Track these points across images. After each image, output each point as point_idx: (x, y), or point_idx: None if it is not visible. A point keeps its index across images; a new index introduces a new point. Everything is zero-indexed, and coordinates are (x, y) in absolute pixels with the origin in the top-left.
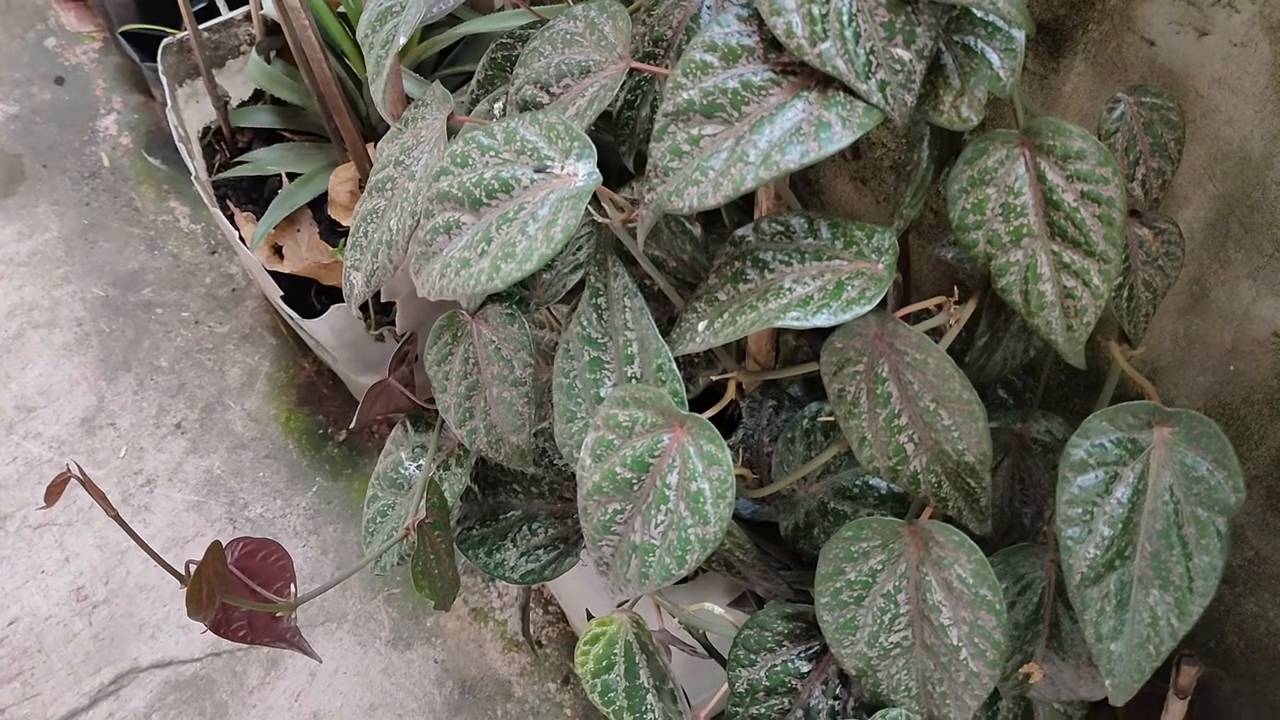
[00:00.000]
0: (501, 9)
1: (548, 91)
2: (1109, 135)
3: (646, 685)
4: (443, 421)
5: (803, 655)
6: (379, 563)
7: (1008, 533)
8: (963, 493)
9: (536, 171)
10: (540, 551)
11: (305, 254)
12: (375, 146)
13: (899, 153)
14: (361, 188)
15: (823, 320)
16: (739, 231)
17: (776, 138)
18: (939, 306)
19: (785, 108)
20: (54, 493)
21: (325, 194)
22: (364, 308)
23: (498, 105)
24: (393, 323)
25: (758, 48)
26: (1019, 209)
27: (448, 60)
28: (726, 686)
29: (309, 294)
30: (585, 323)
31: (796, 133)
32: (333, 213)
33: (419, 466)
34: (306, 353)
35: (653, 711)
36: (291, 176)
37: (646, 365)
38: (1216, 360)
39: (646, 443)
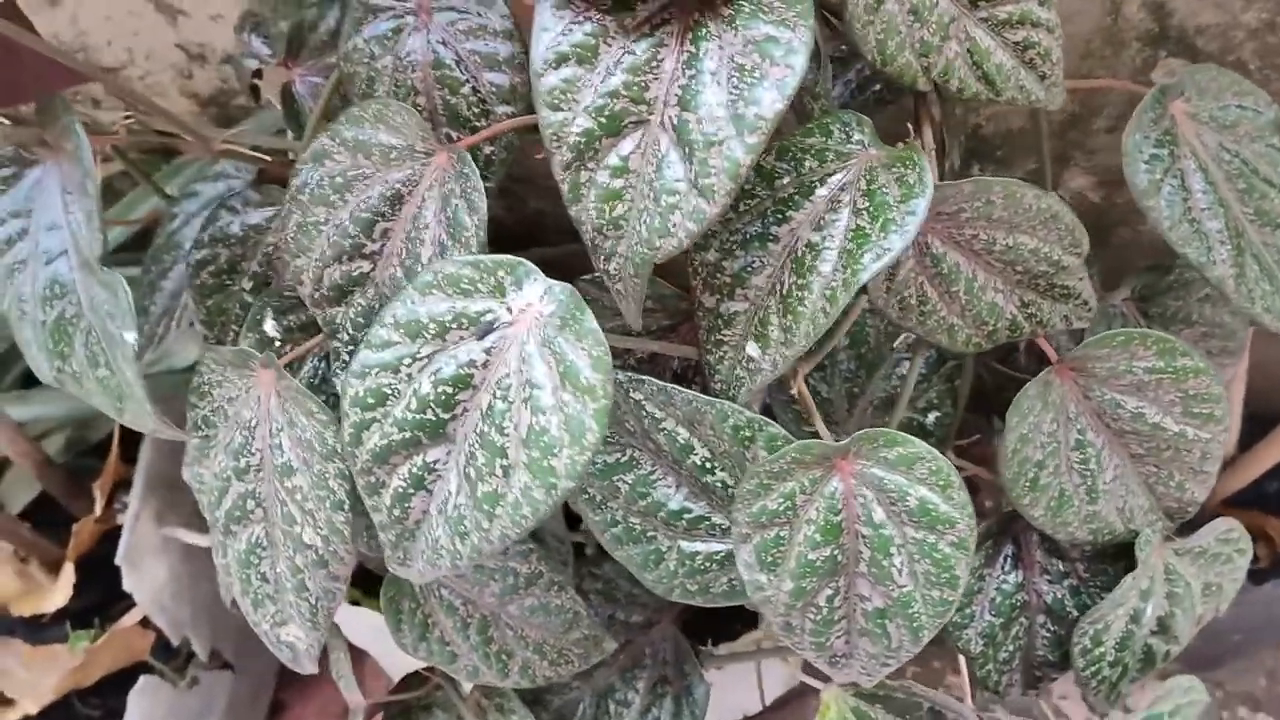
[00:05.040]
0: None
1: (362, 255)
2: None
3: None
4: (454, 684)
5: (1005, 568)
6: None
7: None
8: (1062, 299)
9: (483, 338)
10: (654, 711)
11: (30, 677)
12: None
13: None
14: (21, 559)
15: (898, 240)
16: None
17: (726, 96)
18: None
19: (700, 59)
20: None
21: None
22: (151, 667)
23: (269, 325)
24: (190, 655)
25: (607, 24)
26: (928, 2)
27: None
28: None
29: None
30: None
31: (743, 72)
32: (17, 610)
33: None
34: None
35: None
36: None
37: (715, 440)
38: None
39: (822, 504)
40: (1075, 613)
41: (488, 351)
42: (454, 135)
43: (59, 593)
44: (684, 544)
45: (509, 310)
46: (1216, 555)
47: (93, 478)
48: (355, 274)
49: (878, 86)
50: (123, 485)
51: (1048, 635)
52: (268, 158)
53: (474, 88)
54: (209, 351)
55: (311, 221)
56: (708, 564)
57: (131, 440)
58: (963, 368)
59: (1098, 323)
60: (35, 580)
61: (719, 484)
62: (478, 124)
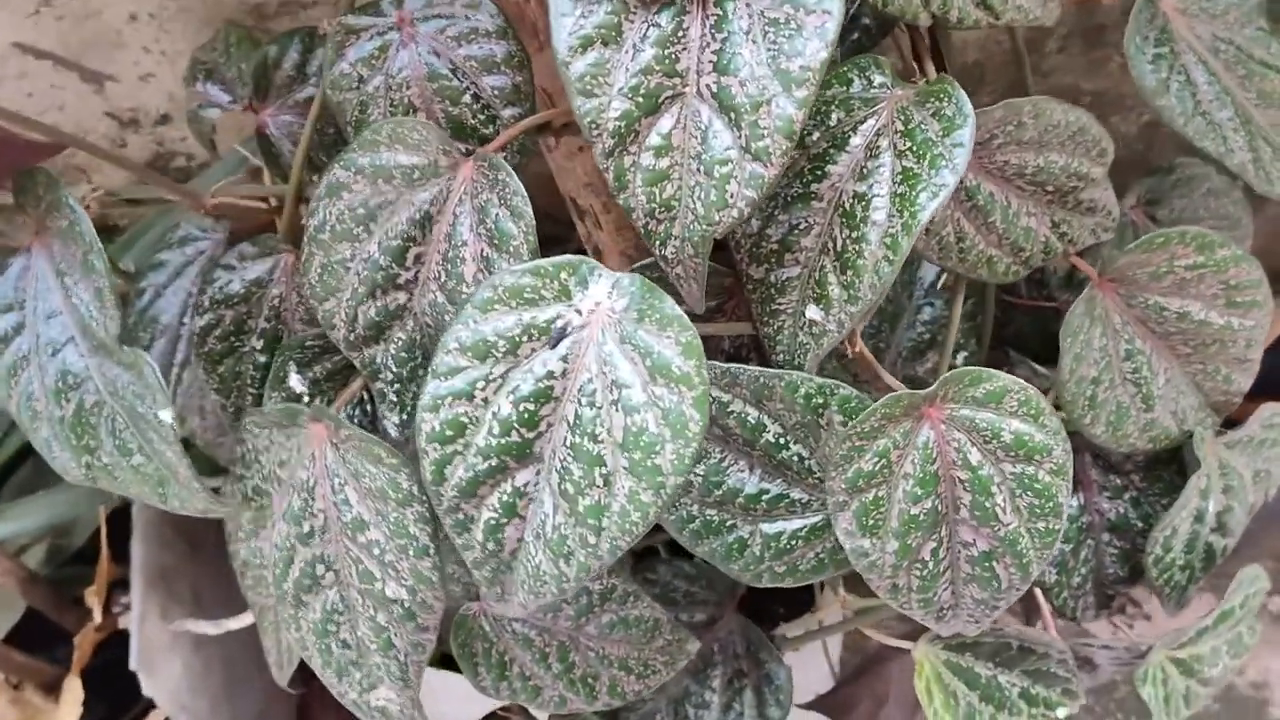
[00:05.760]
0: None
1: (396, 286)
2: None
3: (987, 673)
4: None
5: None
6: None
7: None
8: (1089, 212)
9: (556, 345)
10: (735, 707)
11: None
12: None
13: None
14: (14, 685)
15: (950, 175)
16: None
17: (765, 53)
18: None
19: (728, 20)
20: None
21: None
22: None
23: (295, 379)
24: None
25: None
26: None
27: None
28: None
29: None
30: None
31: (778, 26)
32: None
33: None
34: None
35: (1015, 687)
36: None
37: (786, 413)
38: None
39: (916, 456)
40: (1140, 524)
41: (564, 359)
42: (460, 148)
43: (66, 713)
44: (765, 526)
45: (578, 313)
46: (1263, 441)
47: (79, 587)
48: (392, 307)
49: (855, 36)
50: (116, 586)
51: (1115, 552)
52: (266, 205)
53: (475, 94)
54: (250, 416)
55: (337, 260)
56: (793, 542)
57: (117, 539)
58: (983, 305)
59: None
60: (33, 705)
61: (794, 458)
62: (485, 131)
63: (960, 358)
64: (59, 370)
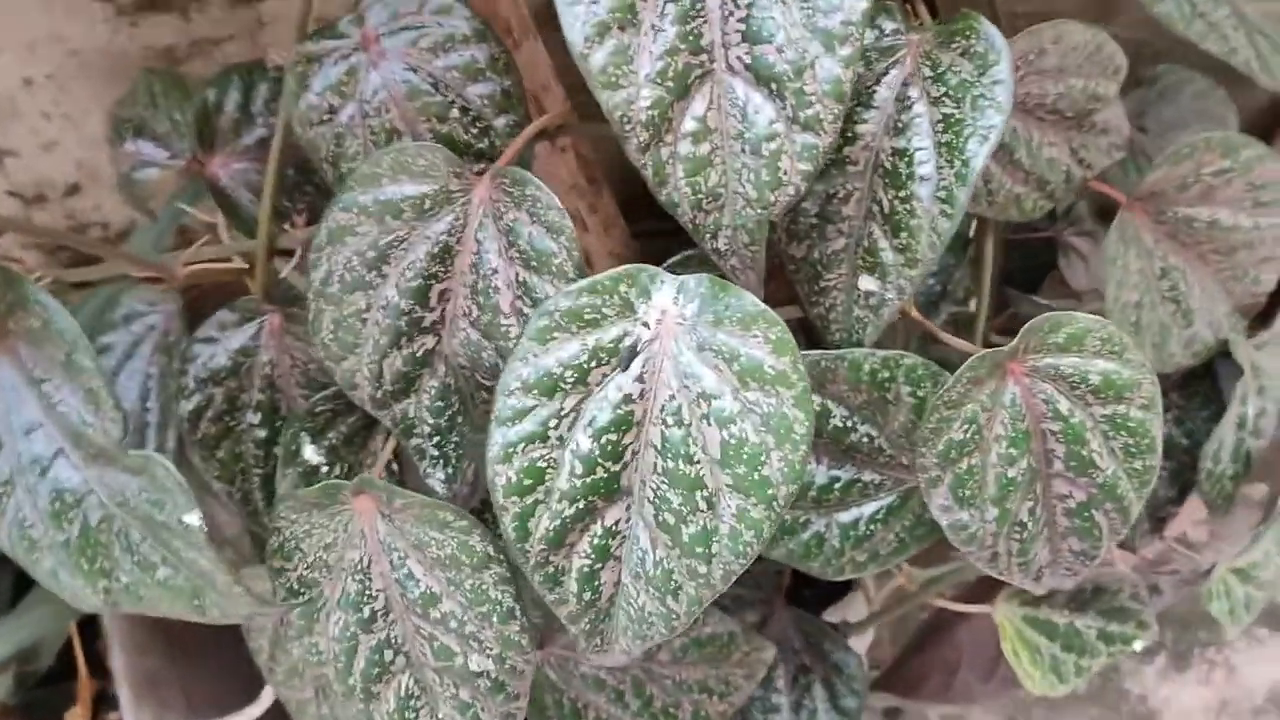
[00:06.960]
0: None
1: (422, 330)
2: None
3: (1063, 621)
4: None
5: None
6: None
7: None
8: (1102, 133)
9: (628, 366)
10: (806, 704)
11: None
12: None
13: None
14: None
15: (996, 115)
16: None
17: (799, 13)
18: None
19: None
20: None
21: None
22: None
23: (309, 450)
24: None
25: None
26: None
27: None
28: None
29: None
30: None
31: None
32: None
33: None
34: None
35: (1091, 629)
36: None
37: (850, 394)
38: None
39: (1005, 416)
40: (1184, 441)
41: (640, 379)
42: (472, 168)
43: None
44: (840, 516)
45: (645, 325)
46: None
47: (54, 711)
48: (420, 354)
49: None
50: (98, 702)
51: (1164, 473)
52: (245, 265)
53: (463, 106)
54: (283, 501)
55: (351, 313)
56: (871, 527)
57: (88, 650)
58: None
59: None
60: None
61: (863, 440)
62: (480, 145)
63: (972, 304)
64: (52, 489)
